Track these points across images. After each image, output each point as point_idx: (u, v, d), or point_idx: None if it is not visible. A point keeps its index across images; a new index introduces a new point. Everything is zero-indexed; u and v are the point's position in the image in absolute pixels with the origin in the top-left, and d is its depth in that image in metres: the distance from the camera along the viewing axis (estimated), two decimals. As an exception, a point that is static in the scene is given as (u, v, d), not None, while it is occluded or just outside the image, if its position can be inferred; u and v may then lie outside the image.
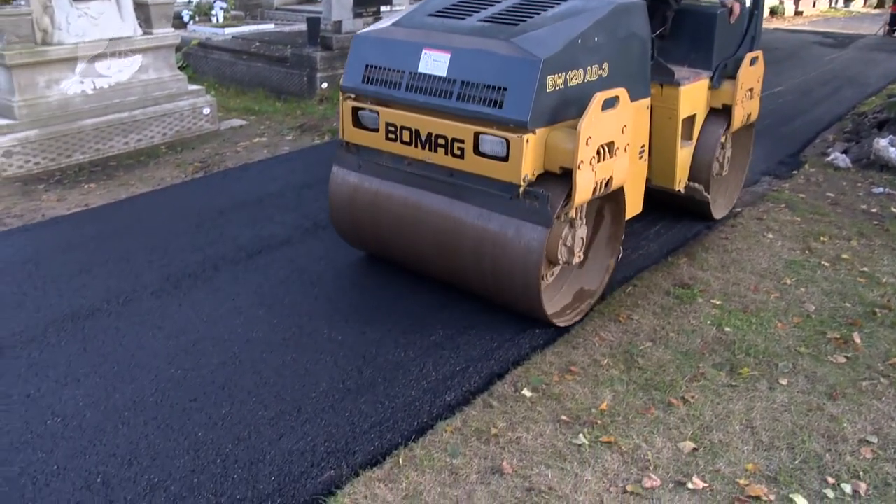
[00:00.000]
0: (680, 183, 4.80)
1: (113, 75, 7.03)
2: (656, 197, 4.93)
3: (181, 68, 8.84)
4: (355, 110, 4.08)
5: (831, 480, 2.92)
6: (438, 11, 4.03)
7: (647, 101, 4.17)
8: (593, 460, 3.01)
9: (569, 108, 3.63)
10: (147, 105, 7.26)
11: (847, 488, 2.88)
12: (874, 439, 3.16)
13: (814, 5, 21.65)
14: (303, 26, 10.23)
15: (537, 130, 3.50)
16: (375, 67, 3.95)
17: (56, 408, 3.29)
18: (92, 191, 6.05)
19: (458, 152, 3.69)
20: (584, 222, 3.91)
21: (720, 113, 4.94)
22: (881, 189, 6.09)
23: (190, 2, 11.79)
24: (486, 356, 3.70)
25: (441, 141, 3.74)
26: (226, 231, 5.13)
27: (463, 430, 3.18)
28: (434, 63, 3.72)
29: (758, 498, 2.83)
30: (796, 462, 3.02)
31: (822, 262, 4.75)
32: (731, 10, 4.77)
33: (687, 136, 4.76)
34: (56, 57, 6.54)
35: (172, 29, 7.63)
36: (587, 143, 3.48)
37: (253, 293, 4.29)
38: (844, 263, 4.75)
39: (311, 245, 4.90)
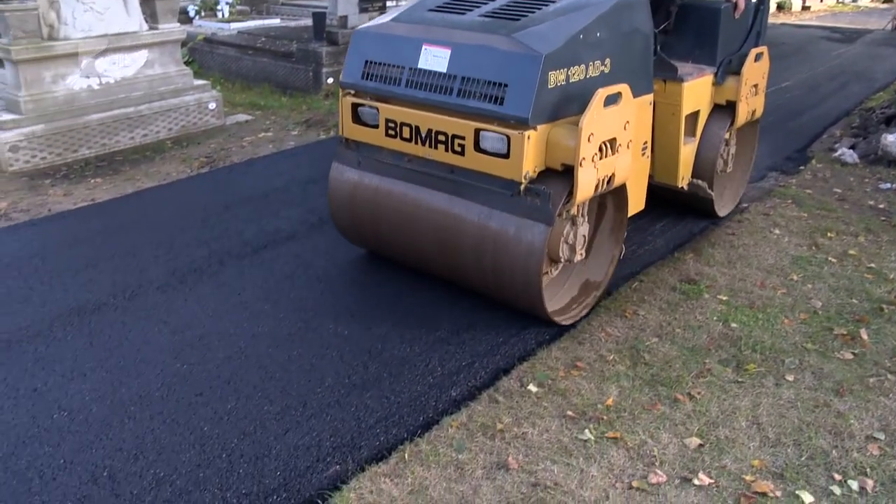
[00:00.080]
0: (683, 180, 4.76)
1: (118, 70, 7.04)
2: (659, 194, 4.90)
3: (187, 63, 8.84)
4: (355, 106, 4.05)
5: (838, 477, 2.91)
6: (439, 7, 4.00)
7: (649, 98, 4.14)
8: (599, 456, 3.01)
9: (570, 105, 3.60)
10: (153, 100, 7.27)
11: (854, 485, 2.87)
12: (881, 436, 3.15)
13: (821, 0, 21.56)
14: (308, 21, 10.22)
15: (538, 127, 3.47)
16: (375, 63, 3.92)
17: (62, 402, 3.30)
18: (98, 185, 6.06)
19: (458, 149, 3.67)
20: (586, 220, 3.88)
21: (724, 109, 4.90)
22: (889, 185, 6.06)
23: (195, -3, 11.80)
24: (491, 351, 3.70)
25: (441, 137, 3.71)
26: (231, 226, 5.14)
27: (468, 426, 3.17)
28: (434, 59, 3.69)
29: (764, 494, 2.82)
30: (803, 458, 3.01)
31: (829, 258, 4.73)
32: (735, 5, 4.73)
33: (690, 132, 4.73)
34: (62, 52, 6.55)
35: (178, 24, 7.64)
36: (589, 140, 3.44)
37: (258, 288, 4.29)
38: (851, 259, 4.73)
39: (316, 240, 4.90)
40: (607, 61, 3.73)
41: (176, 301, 4.15)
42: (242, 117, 8.20)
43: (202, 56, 10.47)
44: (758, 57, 4.90)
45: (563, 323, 3.91)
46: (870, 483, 2.88)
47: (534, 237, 3.56)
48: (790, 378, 3.52)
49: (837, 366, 3.62)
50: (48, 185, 6.05)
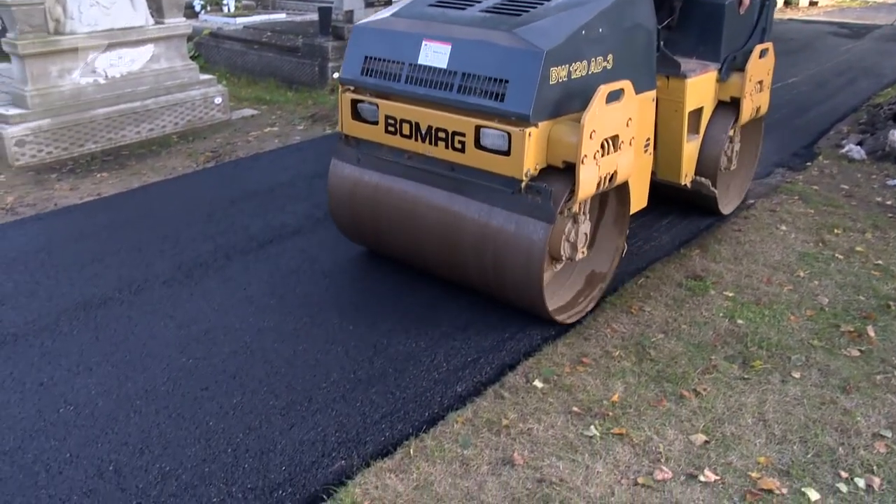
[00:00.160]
0: (686, 177, 4.72)
1: (125, 65, 7.04)
2: (662, 191, 4.88)
3: (193, 58, 8.85)
4: (354, 103, 4.02)
5: (844, 474, 2.91)
6: (439, 1, 3.96)
7: (652, 94, 4.10)
8: (605, 452, 3.00)
9: (572, 101, 3.56)
10: (159, 95, 7.27)
11: (860, 482, 2.86)
12: (888, 433, 3.13)
13: (828, -5, 21.44)
14: (314, 16, 10.21)
15: (540, 124, 3.44)
16: (375, 59, 3.88)
17: (69, 396, 3.30)
18: (104, 180, 6.07)
19: (458, 146, 3.63)
20: (588, 217, 3.85)
21: (728, 106, 4.85)
22: (896, 181, 6.04)
23: (201, -9, 11.80)
24: (497, 347, 3.69)
25: (441, 134, 3.68)
26: (237, 221, 5.14)
27: (474, 421, 3.17)
28: (434, 54, 3.66)
29: (770, 491, 2.81)
30: (809, 456, 3.00)
31: (836, 255, 4.72)
32: (740, 1, 4.70)
33: (694, 129, 4.68)
34: (68, 46, 6.56)
35: (184, 18, 7.63)
36: (591, 137, 3.40)
37: (264, 283, 4.29)
38: (858, 256, 4.72)
39: (322, 235, 4.90)
40: (609, 57, 3.70)
41: (182, 295, 4.15)
42: (248, 112, 8.20)
43: (208, 51, 10.47)
44: (763, 53, 4.85)
45: (567, 321, 3.88)
46: (876, 481, 2.87)
47: (535, 235, 3.53)
48: (796, 375, 3.51)
49: (844, 363, 3.61)
50: (54, 180, 6.06)
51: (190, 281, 4.31)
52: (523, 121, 3.40)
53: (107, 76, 6.91)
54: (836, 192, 5.82)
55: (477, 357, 3.61)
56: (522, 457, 2.97)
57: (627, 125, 3.67)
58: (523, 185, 3.50)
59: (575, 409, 3.26)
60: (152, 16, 7.24)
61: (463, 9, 3.84)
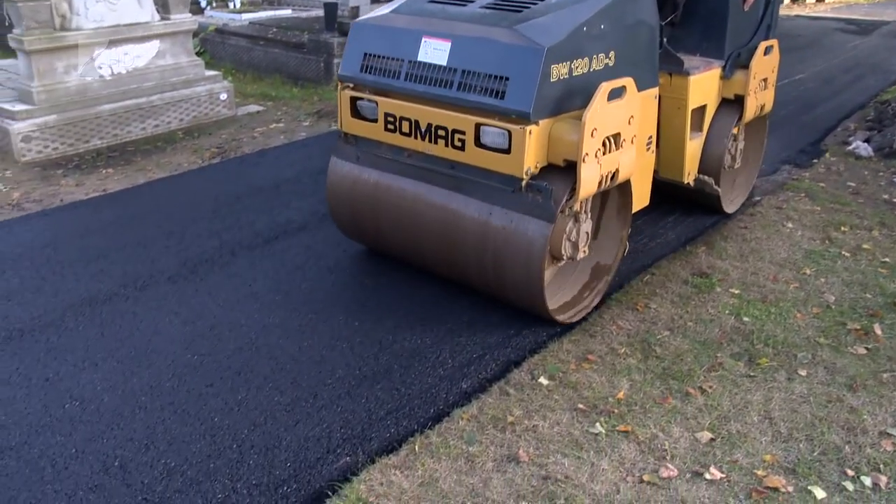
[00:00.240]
0: (689, 175, 4.68)
1: (130, 61, 7.05)
2: (665, 190, 4.84)
3: (198, 54, 8.85)
4: (353, 100, 3.99)
5: (851, 473, 2.90)
6: None
7: (655, 91, 4.06)
8: (610, 449, 3.00)
9: (573, 99, 3.53)
10: (164, 90, 7.28)
11: (867, 481, 2.85)
12: (895, 432, 3.12)
13: (835, -8, 21.35)
14: (320, 12, 10.19)
15: (540, 122, 3.40)
16: (374, 56, 3.85)
17: (74, 391, 3.31)
18: (109, 176, 6.08)
19: (458, 144, 3.60)
20: (589, 216, 3.81)
21: (732, 104, 4.81)
22: (903, 178, 6.01)
23: (207, -13, 11.80)
24: (502, 344, 3.69)
25: (441, 132, 3.65)
26: (242, 217, 5.14)
27: (479, 418, 3.17)
28: (434, 51, 3.62)
29: (776, 489, 2.80)
30: (815, 454, 2.99)
31: (843, 253, 4.70)
32: None
33: (697, 127, 4.64)
34: (74, 42, 6.56)
35: (190, 14, 7.63)
36: (592, 135, 3.37)
37: (269, 279, 4.29)
38: (865, 254, 4.70)
39: (327, 231, 4.89)
40: (611, 54, 3.66)
41: (187, 292, 4.16)
42: (254, 108, 8.20)
43: (214, 47, 10.47)
44: (767, 50, 4.80)
45: (572, 319, 3.86)
46: (883, 479, 2.86)
47: (535, 235, 3.50)
48: (803, 373, 3.50)
49: (850, 361, 3.60)
50: (60, 176, 6.07)
51: (195, 277, 4.32)
52: (524, 118, 3.37)
53: (112, 72, 6.92)
54: (842, 189, 5.80)
55: (482, 354, 3.61)
56: (527, 454, 2.97)
57: (629, 123, 3.63)
58: (524, 183, 3.47)
59: (580, 406, 3.25)
60: (158, 12, 7.24)
61: (463, 5, 3.80)
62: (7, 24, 7.16)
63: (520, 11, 3.59)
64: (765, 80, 4.87)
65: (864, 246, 4.79)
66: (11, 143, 6.28)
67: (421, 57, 3.67)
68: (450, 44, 3.58)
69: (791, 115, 7.77)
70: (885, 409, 3.25)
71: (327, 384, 3.37)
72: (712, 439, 3.06)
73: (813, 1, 19.40)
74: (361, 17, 4.07)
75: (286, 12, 11.62)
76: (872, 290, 4.25)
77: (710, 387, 3.39)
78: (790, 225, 5.09)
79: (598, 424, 3.14)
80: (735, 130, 4.85)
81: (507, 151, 3.45)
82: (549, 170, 3.53)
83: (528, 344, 3.69)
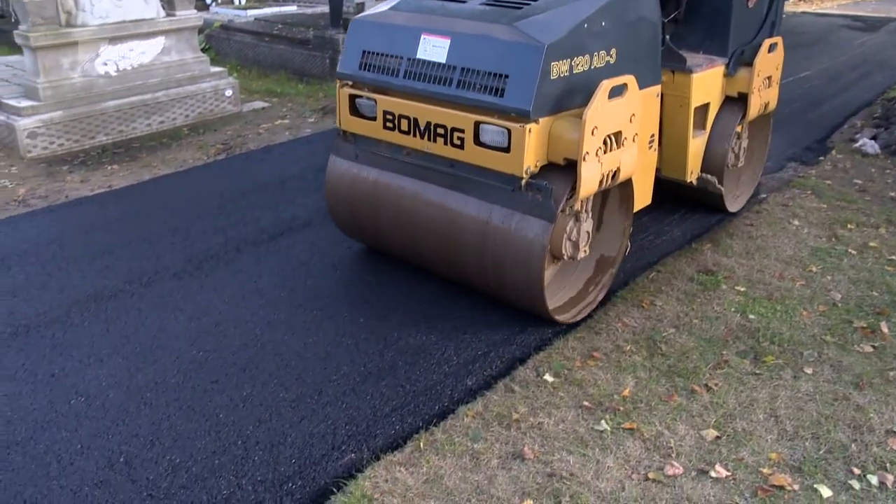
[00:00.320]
0: (692, 174, 4.65)
1: (136, 57, 7.05)
2: (667, 188, 4.81)
3: (204, 50, 8.85)
4: (352, 98, 3.97)
5: (857, 471, 2.88)
6: None
7: (657, 89, 4.03)
8: (615, 447, 2.99)
9: (574, 97, 3.49)
10: (169, 87, 7.28)
11: (873, 479, 2.84)
12: (901, 430, 3.12)
13: (842, -12, 21.25)
14: (325, 8, 10.19)
15: (540, 120, 3.37)
16: (373, 53, 3.82)
17: (80, 387, 3.32)
18: (115, 172, 6.09)
19: (457, 142, 3.57)
20: (590, 216, 3.77)
21: (736, 102, 4.77)
22: (910, 176, 5.99)
23: (212, -17, 11.80)
24: (507, 341, 3.68)
25: (440, 130, 3.61)
26: (247, 213, 5.14)
27: (484, 415, 3.17)
28: (433, 49, 3.59)
29: (781, 487, 2.80)
30: (821, 452, 2.98)
31: (849, 250, 4.68)
32: None
33: (700, 125, 4.60)
34: (80, 39, 6.57)
35: (195, 11, 7.63)
36: (593, 134, 3.33)
37: (274, 275, 4.29)
38: (872, 251, 4.68)
39: (332, 228, 4.88)
40: (613, 51, 3.62)
41: (192, 288, 4.16)
42: (259, 104, 8.20)
43: (219, 43, 10.47)
44: (772, 48, 4.76)
45: (573, 319, 3.83)
46: (890, 478, 2.85)
47: (535, 234, 3.47)
48: (809, 371, 3.49)
49: (857, 359, 3.59)
50: (66, 172, 6.08)
51: (200, 273, 4.32)
52: (523, 117, 3.33)
53: (118, 68, 6.93)
54: (849, 186, 5.78)
55: (487, 351, 3.61)
56: (533, 451, 2.96)
57: (631, 121, 3.59)
58: (523, 182, 3.43)
59: (585, 403, 3.25)
60: (163, 8, 7.24)
61: (463, 1, 3.77)
62: (13, 20, 7.18)
63: (520, 8, 3.56)
64: (769, 77, 4.83)
65: (871, 244, 4.77)
66: (17, 139, 6.30)
67: (420, 54, 3.64)
68: (449, 41, 3.55)
69: (797, 113, 7.74)
70: (891, 408, 3.24)
71: (332, 381, 3.37)
72: (718, 437, 3.06)
73: (819, -3, 19.30)
74: (360, 14, 4.04)
75: (291, 8, 11.62)
76: (879, 288, 4.23)
77: (716, 384, 3.38)
78: (796, 222, 5.08)
79: (603, 422, 3.13)
80: (738, 129, 4.82)
81: (507, 150, 3.41)
82: (549, 168, 3.49)
83: (534, 341, 3.69)
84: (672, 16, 4.50)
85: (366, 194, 4.09)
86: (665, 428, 3.10)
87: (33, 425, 3.08)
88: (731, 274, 4.37)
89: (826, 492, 2.78)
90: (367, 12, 4.05)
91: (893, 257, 4.60)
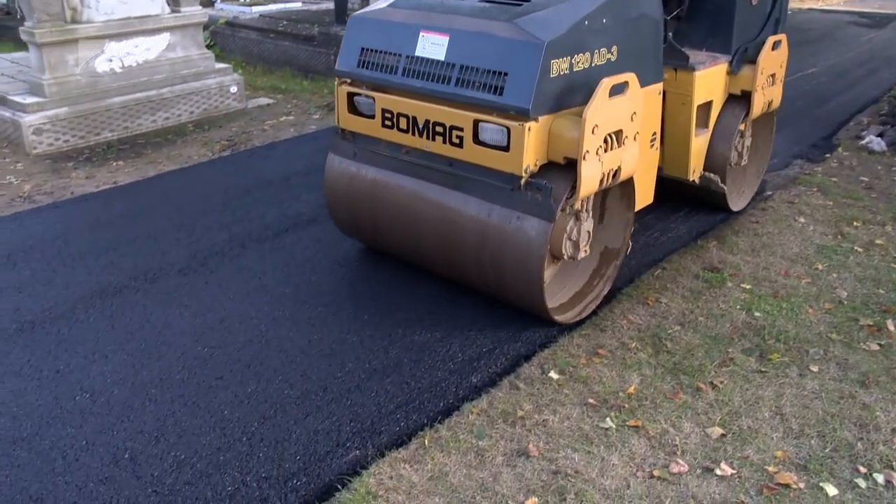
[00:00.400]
0: (694, 173, 4.61)
1: (141, 53, 7.06)
2: (670, 187, 4.78)
3: (208, 47, 8.85)
4: (350, 96, 3.94)
5: (863, 470, 2.87)
6: None
7: (659, 87, 3.99)
8: (620, 444, 2.99)
9: (574, 95, 3.45)
10: (175, 83, 7.28)
11: (879, 478, 2.83)
12: (908, 428, 3.10)
13: (849, -15, 21.16)
14: (330, 5, 10.19)
15: (540, 118, 3.33)
16: (371, 51, 3.78)
17: (85, 383, 3.32)
18: (120, 168, 6.09)
19: (456, 141, 3.54)
20: (591, 215, 3.74)
21: (739, 100, 4.72)
22: (917, 173, 5.96)
23: (217, -20, 11.80)
24: (512, 338, 3.68)
25: (439, 129, 3.58)
26: (252, 209, 5.14)
27: (489, 412, 3.16)
28: (432, 46, 3.55)
29: (787, 486, 2.79)
30: (827, 450, 2.97)
31: (855, 248, 4.66)
32: None
33: (702, 123, 4.56)
34: (85, 35, 6.57)
35: (200, 7, 7.63)
36: (593, 132, 3.30)
37: (279, 272, 4.29)
38: (878, 249, 4.66)
39: (337, 224, 4.89)
40: (614, 49, 3.58)
41: (197, 284, 4.16)
42: (264, 101, 8.20)
43: (224, 39, 10.47)
44: (776, 45, 4.71)
45: (576, 318, 3.82)
46: (896, 476, 2.84)
47: (534, 234, 3.43)
48: (814, 369, 3.48)
49: (863, 357, 3.57)
50: (71, 168, 6.09)
51: (205, 270, 4.32)
52: (522, 115, 3.30)
53: (123, 65, 6.93)
54: (855, 184, 5.76)
55: (492, 348, 3.60)
56: (538, 448, 2.96)
57: (632, 119, 3.56)
58: (523, 181, 3.40)
59: (591, 400, 3.24)
60: (168, 4, 7.24)
61: None
62: (18, 16, 7.18)
63: (519, 5, 3.52)
64: (773, 75, 4.79)
65: (877, 241, 4.76)
66: (23, 135, 6.31)
67: (419, 52, 3.60)
68: (448, 38, 3.51)
69: (803, 110, 7.71)
70: (897, 406, 3.23)
71: (337, 377, 3.37)
72: (723, 435, 3.05)
73: (826, -6, 19.23)
74: (359, 11, 4.01)
75: (296, 5, 11.62)
76: (885, 286, 4.21)
77: (721, 382, 3.37)
78: (802, 220, 5.06)
79: (608, 419, 3.12)
80: (742, 127, 4.78)
81: (506, 149, 3.38)
82: (549, 167, 3.46)
83: (539, 338, 3.68)
84: (675, 13, 4.47)
85: (364, 193, 4.06)
86: (670, 425, 3.10)
87: (39, 421, 3.08)
88: (737, 271, 4.36)
89: (832, 490, 2.77)
90: (366, 9, 4.02)
91: (900, 255, 4.58)
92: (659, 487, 2.78)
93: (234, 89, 7.75)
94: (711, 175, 4.71)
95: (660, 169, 4.39)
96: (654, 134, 4.10)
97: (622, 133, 3.52)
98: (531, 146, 3.35)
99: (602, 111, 3.34)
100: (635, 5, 3.70)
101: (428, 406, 3.20)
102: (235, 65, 8.87)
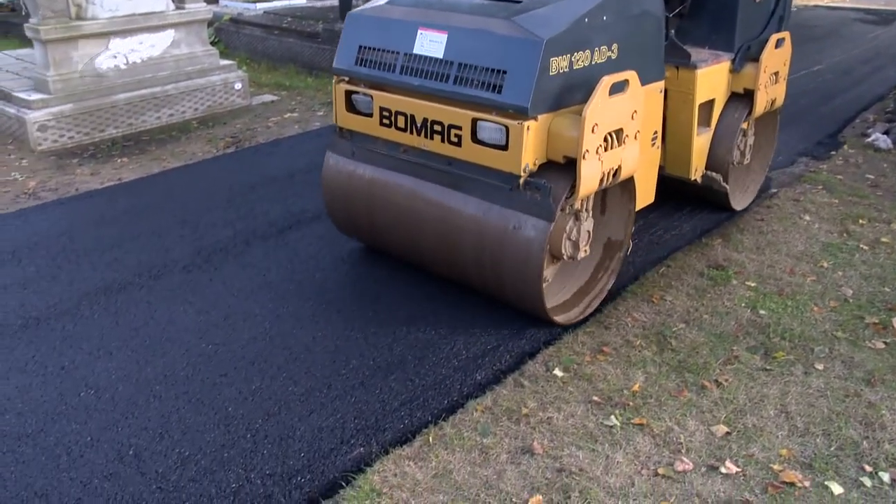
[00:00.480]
0: (696, 172, 4.57)
1: (145, 50, 7.06)
2: (671, 186, 4.76)
3: (213, 43, 8.85)
4: (348, 94, 3.91)
5: (868, 468, 2.87)
6: None
7: (660, 85, 3.95)
8: (625, 442, 2.98)
9: (574, 93, 3.42)
10: (179, 80, 7.29)
11: (885, 477, 2.82)
12: (913, 427, 3.09)
13: (855, -18, 21.07)
14: (334, 2, 10.18)
15: (539, 117, 3.30)
16: (369, 48, 3.75)
17: (89, 380, 3.32)
18: (124, 165, 6.10)
19: (455, 140, 3.50)
20: (591, 215, 3.71)
21: (742, 98, 4.69)
22: (923, 171, 5.94)
23: (222, -24, 11.78)
24: (517, 335, 3.67)
25: (437, 127, 3.55)
26: (256, 206, 5.15)
27: (493, 410, 3.16)
28: (430, 44, 3.52)
29: (792, 484, 2.78)
30: (832, 449, 2.97)
31: (861, 246, 4.65)
32: None
33: (704, 122, 4.52)
34: (89, 32, 6.58)
35: (204, 4, 7.63)
36: (593, 131, 3.27)
37: (283, 269, 4.29)
38: (884, 247, 4.64)
39: (341, 221, 4.89)
40: (614, 46, 3.54)
41: (201, 281, 4.16)
42: (268, 97, 8.20)
43: (228, 36, 10.47)
44: (779, 43, 4.67)
45: (577, 318, 3.79)
46: (901, 475, 2.83)
47: (533, 234, 3.41)
48: (820, 367, 3.47)
49: (868, 355, 3.56)
50: (75, 165, 6.09)
51: (209, 266, 4.32)
52: (521, 113, 3.26)
53: (128, 61, 6.93)
54: (861, 181, 5.74)
55: (497, 345, 3.60)
56: (542, 446, 2.95)
57: (633, 118, 3.52)
58: (521, 181, 3.37)
59: (595, 398, 3.24)
60: (173, 1, 7.24)
61: None
62: (23, 13, 7.19)
63: (519, 2, 3.49)
64: (776, 73, 4.75)
65: (883, 239, 4.74)
66: (27, 132, 6.31)
67: (417, 49, 3.57)
68: (446, 35, 3.48)
69: (809, 107, 7.69)
70: (903, 404, 3.22)
71: (341, 374, 3.37)
72: (728, 433, 3.04)
73: (831, -9, 19.16)
74: (357, 8, 3.97)
75: (301, 2, 11.60)
76: (891, 284, 4.20)
77: (726, 380, 3.36)
78: (807, 217, 5.05)
79: (612, 417, 3.12)
80: (744, 126, 4.75)
81: (505, 148, 3.35)
82: (548, 167, 3.43)
83: (543, 335, 3.68)
84: (677, 10, 4.44)
85: (362, 192, 4.04)
86: (675, 423, 3.09)
87: (43, 417, 3.09)
88: (742, 269, 4.35)
89: (837, 489, 2.77)
90: (364, 6, 3.99)
91: (906, 253, 4.57)
92: (663, 485, 2.78)
93: (238, 86, 7.75)
94: (714, 174, 4.69)
95: (661, 168, 4.36)
96: (656, 133, 4.07)
97: (623, 132, 3.48)
98: (530, 145, 3.32)
99: (602, 109, 3.31)
100: (637, 2, 3.66)
101: (432, 403, 3.20)
102: (240, 61, 8.86)
